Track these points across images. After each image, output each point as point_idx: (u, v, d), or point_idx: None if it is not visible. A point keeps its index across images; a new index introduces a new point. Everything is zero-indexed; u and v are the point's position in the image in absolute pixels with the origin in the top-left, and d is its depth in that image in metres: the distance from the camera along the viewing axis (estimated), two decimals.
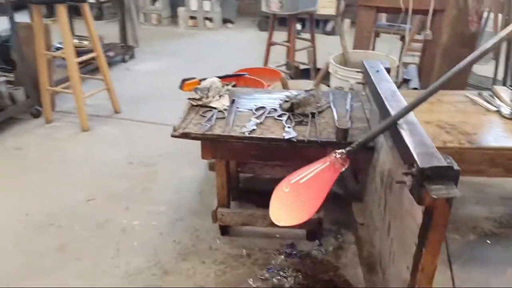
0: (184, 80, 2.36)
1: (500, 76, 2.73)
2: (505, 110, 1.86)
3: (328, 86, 2.59)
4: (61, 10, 2.80)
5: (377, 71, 1.63)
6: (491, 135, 1.71)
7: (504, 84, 2.43)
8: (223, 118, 1.85)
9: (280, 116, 1.87)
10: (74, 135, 3.04)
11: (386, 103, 1.33)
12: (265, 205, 2.24)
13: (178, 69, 4.45)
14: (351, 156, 1.36)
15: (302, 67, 3.12)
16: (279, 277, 1.80)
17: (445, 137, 1.67)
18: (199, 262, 1.90)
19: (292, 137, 1.67)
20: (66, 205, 2.28)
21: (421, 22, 3.14)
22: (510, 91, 2.02)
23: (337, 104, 1.98)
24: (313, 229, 1.96)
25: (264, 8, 3.27)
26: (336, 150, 1.38)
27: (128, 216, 2.20)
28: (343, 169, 1.38)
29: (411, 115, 1.26)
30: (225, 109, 1.92)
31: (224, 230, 2.04)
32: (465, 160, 1.62)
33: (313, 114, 1.86)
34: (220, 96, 2.02)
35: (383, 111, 1.35)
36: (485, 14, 2.49)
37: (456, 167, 0.97)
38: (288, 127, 1.75)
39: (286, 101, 1.95)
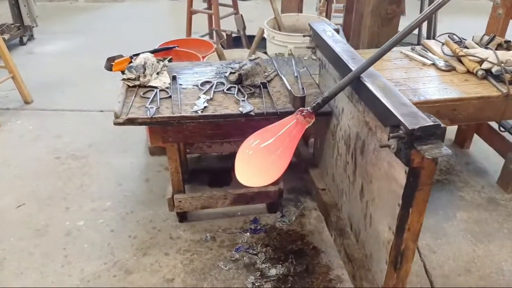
0: (109, 59, 2.12)
1: (424, 31, 2.87)
2: (440, 63, 1.96)
3: (265, 53, 2.51)
4: None
5: (329, 34, 1.59)
6: (433, 88, 1.79)
7: (429, 36, 2.56)
8: (168, 97, 1.69)
9: (229, 89, 1.77)
10: None
11: (350, 66, 1.29)
12: (219, 183, 2.19)
13: (89, 48, 4.04)
14: (316, 112, 1.33)
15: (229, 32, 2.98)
16: (249, 255, 1.76)
17: None
18: (162, 255, 1.78)
19: (250, 111, 1.58)
20: None
21: None
22: (440, 43, 2.13)
23: (284, 72, 1.92)
24: (274, 201, 1.94)
25: None
26: (301, 108, 1.34)
27: (70, 217, 1.97)
28: (309, 125, 1.36)
29: (379, 76, 1.25)
30: (167, 88, 1.76)
31: (182, 217, 1.93)
32: None
33: (264, 84, 1.78)
34: (158, 74, 1.84)
35: (346, 72, 1.32)
36: None
37: (441, 123, 0.98)
38: (242, 100, 1.66)
39: (232, 73, 1.84)
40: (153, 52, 2.28)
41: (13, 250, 1.79)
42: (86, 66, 3.60)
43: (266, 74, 1.87)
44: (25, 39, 4.10)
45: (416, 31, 2.82)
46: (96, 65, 3.54)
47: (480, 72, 1.83)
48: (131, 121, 1.51)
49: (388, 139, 1.04)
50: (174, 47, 2.43)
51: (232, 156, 2.33)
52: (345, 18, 3.16)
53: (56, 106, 2.94)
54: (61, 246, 1.82)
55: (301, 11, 2.81)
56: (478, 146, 2.42)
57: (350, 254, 1.52)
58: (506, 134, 2.13)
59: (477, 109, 1.75)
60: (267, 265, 1.71)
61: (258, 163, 1.34)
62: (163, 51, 2.37)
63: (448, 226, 1.90)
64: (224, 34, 2.77)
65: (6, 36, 3.74)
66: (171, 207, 1.85)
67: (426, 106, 1.69)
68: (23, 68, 3.38)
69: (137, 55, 2.18)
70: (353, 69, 1.25)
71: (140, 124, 1.55)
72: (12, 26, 4.01)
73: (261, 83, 1.78)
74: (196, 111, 1.58)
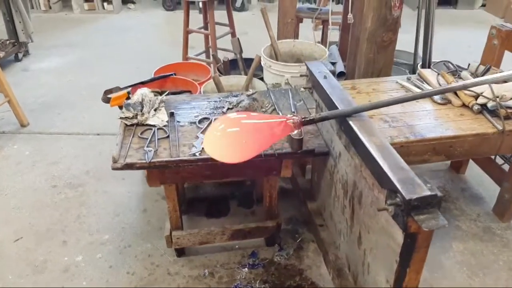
0: (106, 92, 2.13)
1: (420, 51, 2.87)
2: (436, 96, 1.97)
3: (261, 79, 2.52)
4: None
5: (325, 77, 1.60)
6: (430, 124, 1.80)
7: (424, 62, 2.57)
8: (166, 137, 1.69)
9: None
10: None
11: (349, 121, 1.30)
12: (217, 213, 2.19)
13: (86, 65, 4.03)
14: (304, 125, 1.45)
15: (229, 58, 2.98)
16: None
17: (391, 132, 1.72)
18: None
19: None
20: None
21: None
22: (436, 73, 2.14)
23: (281, 105, 1.93)
24: (270, 236, 1.95)
25: None
26: (295, 114, 1.45)
27: (67, 252, 1.97)
28: (293, 132, 1.49)
29: (376, 130, 1.26)
30: (164, 126, 1.76)
31: (180, 252, 1.93)
32: (411, 152, 1.70)
33: None
34: (155, 110, 1.84)
35: (343, 125, 1.33)
36: None
37: (439, 193, 0.99)
38: None
39: (230, 108, 1.85)
40: (151, 81, 2.30)
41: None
42: (83, 85, 3.60)
43: (264, 109, 1.87)
44: (20, 55, 4.08)
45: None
46: (92, 84, 3.57)
47: (475, 107, 1.85)
48: (129, 166, 1.51)
49: (385, 202, 1.05)
50: (171, 74, 2.44)
51: (229, 185, 2.34)
52: (341, 37, 3.18)
53: (52, 129, 2.94)
54: (59, 283, 1.82)
55: (297, 35, 2.82)
56: (474, 171, 2.44)
57: None
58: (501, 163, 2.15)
59: (473, 145, 1.76)
60: None
61: (229, 140, 1.44)
62: (160, 79, 2.38)
63: (445, 258, 1.92)
64: (221, 59, 2.76)
65: (1, 54, 3.73)
66: (169, 244, 1.85)
67: (422, 144, 1.71)
68: (19, 87, 3.39)
69: (134, 85, 2.20)
70: (350, 123, 1.26)
71: (138, 168, 1.55)
72: (8, 42, 3.99)
73: None
74: (194, 154, 1.58)
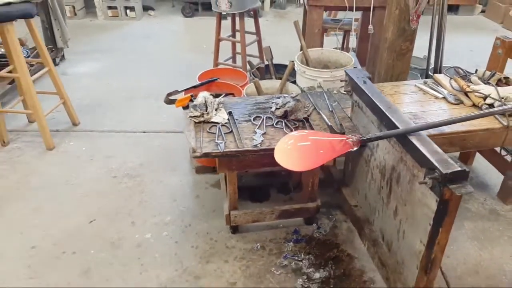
0: (168, 94, 2.47)
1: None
2: (450, 97, 2.33)
3: (294, 82, 2.87)
4: (11, 30, 2.63)
5: (364, 82, 1.95)
6: None
7: (436, 67, 2.93)
8: (230, 132, 2.04)
9: (277, 123, 2.12)
10: (40, 156, 2.93)
11: (389, 115, 1.66)
12: (259, 199, 2.53)
13: (117, 69, 4.38)
14: (362, 144, 1.74)
15: (259, 65, 3.34)
16: (295, 262, 2.11)
17: None
18: (222, 262, 2.12)
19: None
20: (68, 230, 2.30)
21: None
22: (448, 78, 2.50)
23: (320, 106, 2.28)
24: (312, 216, 2.30)
25: (214, 8, 3.37)
26: (354, 134, 1.75)
27: (138, 231, 2.31)
28: (352, 149, 1.76)
29: (412, 124, 1.61)
30: (226, 123, 2.11)
31: (235, 229, 2.28)
32: None
33: (306, 119, 2.13)
34: (216, 110, 2.19)
35: (385, 120, 1.68)
36: None
37: (467, 169, 1.34)
38: None
39: (278, 108, 2.19)
40: (200, 85, 2.65)
41: (95, 260, 2.12)
42: (120, 88, 3.94)
43: (306, 109, 2.22)
44: (57, 60, 4.41)
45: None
46: (126, 87, 3.93)
47: (484, 107, 2.20)
48: (206, 155, 1.85)
49: (424, 178, 1.41)
50: (216, 79, 2.78)
51: (269, 175, 2.68)
52: (358, 45, 3.54)
53: (102, 128, 3.27)
54: (135, 256, 2.15)
55: (322, 44, 3.17)
56: (480, 162, 2.80)
57: (383, 260, 1.89)
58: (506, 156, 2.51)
59: (482, 138, 2.12)
60: (311, 270, 2.06)
61: (298, 152, 1.76)
62: (207, 84, 2.72)
63: (458, 234, 2.28)
64: (254, 65, 3.11)
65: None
66: (228, 221, 2.20)
67: (441, 137, 2.06)
68: None
69: (187, 89, 2.55)
70: (392, 119, 1.62)
71: (214, 157, 1.89)
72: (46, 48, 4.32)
73: (303, 118, 2.14)
74: (256, 145, 1.93)
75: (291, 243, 2.23)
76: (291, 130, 2.05)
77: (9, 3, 2.62)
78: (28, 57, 3.85)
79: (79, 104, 3.53)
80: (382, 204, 1.89)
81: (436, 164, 1.36)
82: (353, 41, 3.68)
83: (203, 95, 2.21)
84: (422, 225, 1.54)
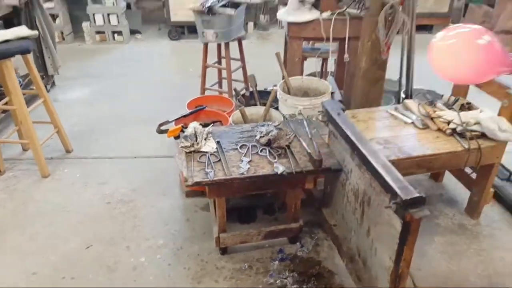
0: (160, 124, 2.65)
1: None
2: (417, 122, 2.56)
3: (276, 108, 3.07)
4: (9, 66, 2.78)
5: (338, 113, 2.16)
6: (414, 145, 2.37)
7: (407, 91, 3.17)
8: (218, 160, 2.22)
9: (261, 151, 2.31)
10: (36, 184, 3.06)
11: (360, 148, 1.87)
12: (247, 220, 2.70)
13: (108, 94, 4.53)
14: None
15: (244, 91, 3.55)
16: (281, 279, 2.28)
17: (386, 152, 2.27)
18: (213, 282, 2.28)
19: (283, 171, 2.12)
20: (67, 256, 2.43)
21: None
22: (417, 103, 2.72)
23: (300, 133, 2.47)
24: (296, 235, 2.48)
25: (200, 39, 3.58)
26: None
27: (132, 255, 2.45)
28: None
29: (380, 155, 1.82)
30: (215, 152, 2.29)
31: (224, 250, 2.44)
32: (401, 167, 2.24)
33: (288, 146, 2.33)
34: (205, 139, 2.37)
35: (356, 150, 1.89)
36: None
37: (423, 195, 1.55)
38: (275, 161, 2.20)
39: (262, 137, 2.38)
40: (190, 114, 2.84)
41: (93, 284, 2.26)
42: (111, 113, 4.09)
43: (288, 136, 2.42)
44: (48, 87, 4.55)
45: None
46: (117, 112, 4.08)
47: (448, 131, 2.43)
48: (197, 184, 2.03)
49: (389, 202, 1.61)
50: (204, 107, 2.97)
51: (255, 197, 2.85)
52: (336, 69, 3.78)
53: (94, 154, 3.42)
54: (131, 279, 2.30)
55: (303, 71, 3.40)
56: (449, 179, 3.02)
57: (360, 275, 2.07)
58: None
59: (446, 161, 2.34)
60: (295, 287, 2.24)
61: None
62: (196, 113, 2.91)
63: (429, 248, 2.48)
64: (239, 92, 3.32)
65: (34, 86, 4.19)
66: (217, 243, 2.36)
67: (409, 160, 2.28)
68: None
69: (178, 119, 2.72)
70: (361, 150, 1.83)
71: (204, 185, 2.07)
72: None
73: (286, 145, 2.33)
74: (242, 173, 2.11)
75: (277, 261, 2.40)
76: (274, 158, 2.24)
77: (7, 41, 2.78)
78: (21, 85, 3.98)
79: (71, 130, 3.67)
80: (357, 224, 2.08)
81: (398, 191, 1.57)
82: (331, 65, 3.91)
83: (193, 126, 2.39)
84: (390, 243, 1.73)
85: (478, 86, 2.76)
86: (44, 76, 4.47)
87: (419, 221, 1.56)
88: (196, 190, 2.87)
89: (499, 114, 2.52)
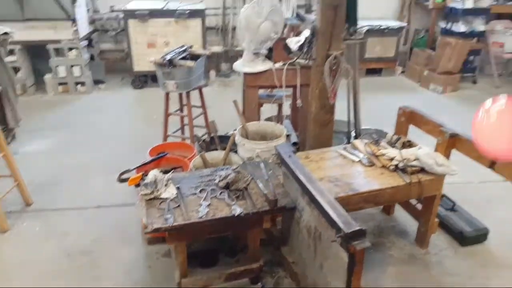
0: (121, 174, 2.72)
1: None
2: (364, 160, 2.77)
3: (235, 151, 3.22)
4: None
5: (289, 156, 2.34)
6: (361, 181, 2.57)
7: (356, 131, 3.43)
8: (178, 206, 2.31)
9: (220, 194, 2.42)
10: None
11: (308, 187, 2.03)
12: (208, 264, 2.76)
13: (70, 145, 4.53)
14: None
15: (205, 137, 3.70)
16: None
17: (336, 189, 2.45)
18: None
19: (241, 213, 2.24)
20: None
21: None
22: (363, 143, 2.95)
23: (257, 175, 2.62)
24: (256, 275, 2.56)
25: (161, 89, 3.75)
26: None
27: None
28: None
29: (327, 193, 1.98)
30: (175, 197, 2.38)
31: None
32: (350, 202, 2.42)
33: (245, 188, 2.46)
34: (166, 186, 2.46)
35: (305, 190, 2.05)
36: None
37: (363, 227, 1.70)
38: (233, 203, 2.32)
39: (220, 180, 2.51)
40: (150, 161, 2.93)
41: None
42: (70, 164, 4.09)
43: (246, 179, 2.55)
44: (9, 139, 4.52)
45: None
46: (79, 162, 4.10)
47: (391, 168, 2.65)
48: (157, 230, 2.10)
49: (335, 236, 1.75)
50: (165, 154, 3.08)
51: (216, 240, 2.92)
52: (292, 113, 4.02)
53: (55, 206, 3.40)
54: None
55: (259, 116, 3.61)
56: (400, 212, 3.22)
57: None
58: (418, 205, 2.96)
59: (391, 195, 2.54)
60: None
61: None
62: (157, 160, 3.01)
63: (383, 278, 2.62)
64: (200, 138, 3.47)
65: None
66: None
67: (358, 196, 2.46)
68: None
69: (139, 167, 2.81)
70: (309, 189, 1.99)
71: (163, 231, 2.14)
72: None
73: (244, 187, 2.46)
74: (201, 217, 2.21)
75: None
76: (233, 200, 2.36)
77: None
78: None
79: (31, 183, 3.63)
80: (312, 259, 2.20)
81: (341, 226, 1.72)
82: (287, 110, 4.16)
83: (153, 173, 2.48)
84: (342, 274, 1.86)
85: (417, 125, 3.04)
86: (5, 130, 4.45)
87: (362, 252, 1.70)
88: (157, 237, 2.91)
89: (435, 150, 2.78)
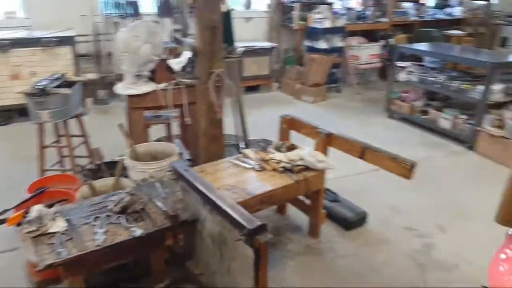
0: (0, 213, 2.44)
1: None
2: (255, 166, 2.95)
3: (126, 176, 3.13)
4: None
5: (186, 170, 2.38)
6: (256, 185, 2.72)
7: (245, 142, 3.62)
8: (70, 238, 2.15)
9: (117, 219, 2.33)
10: None
11: (209, 195, 2.09)
12: None
13: None
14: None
15: (89, 165, 3.49)
16: None
17: (234, 196, 2.55)
18: None
19: (141, 234, 2.18)
20: None
21: None
22: (253, 151, 3.14)
23: (154, 195, 2.59)
24: None
25: (33, 119, 3.44)
26: None
27: None
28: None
29: (227, 198, 2.07)
30: (66, 230, 2.21)
31: None
32: (248, 206, 2.54)
33: (142, 209, 2.41)
34: (52, 220, 2.27)
35: (207, 199, 2.11)
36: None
37: (265, 222, 1.83)
38: (132, 226, 2.25)
39: (116, 205, 2.41)
40: (30, 198, 2.68)
41: None
42: None
43: (142, 200, 2.50)
44: None
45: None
46: None
47: (280, 170, 2.87)
48: (50, 266, 1.93)
49: (239, 235, 1.84)
50: (44, 189, 2.84)
51: (115, 269, 2.78)
52: (182, 132, 4.06)
53: None
54: None
55: (148, 137, 3.56)
56: (292, 210, 3.48)
57: None
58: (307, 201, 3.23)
59: (283, 193, 2.75)
60: None
61: None
62: (38, 195, 2.76)
63: (285, 273, 2.80)
64: (83, 167, 3.27)
65: None
66: None
67: (254, 199, 2.60)
68: None
69: (17, 206, 2.55)
70: (210, 197, 2.05)
71: (57, 266, 1.97)
72: None
73: (140, 209, 2.41)
74: (98, 245, 2.10)
75: None
76: (131, 223, 2.29)
77: None
78: None
79: None
80: (219, 265, 2.25)
81: (245, 223, 1.82)
82: (176, 129, 4.18)
83: (36, 209, 2.27)
84: (249, 272, 1.95)
85: (297, 130, 3.35)
86: None
87: (266, 245, 1.82)
88: (49, 278, 2.64)
89: (315, 149, 3.09)
